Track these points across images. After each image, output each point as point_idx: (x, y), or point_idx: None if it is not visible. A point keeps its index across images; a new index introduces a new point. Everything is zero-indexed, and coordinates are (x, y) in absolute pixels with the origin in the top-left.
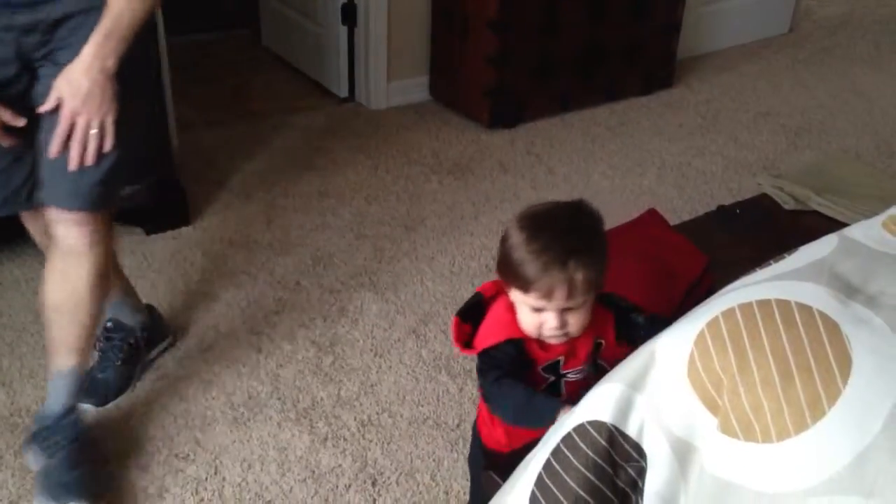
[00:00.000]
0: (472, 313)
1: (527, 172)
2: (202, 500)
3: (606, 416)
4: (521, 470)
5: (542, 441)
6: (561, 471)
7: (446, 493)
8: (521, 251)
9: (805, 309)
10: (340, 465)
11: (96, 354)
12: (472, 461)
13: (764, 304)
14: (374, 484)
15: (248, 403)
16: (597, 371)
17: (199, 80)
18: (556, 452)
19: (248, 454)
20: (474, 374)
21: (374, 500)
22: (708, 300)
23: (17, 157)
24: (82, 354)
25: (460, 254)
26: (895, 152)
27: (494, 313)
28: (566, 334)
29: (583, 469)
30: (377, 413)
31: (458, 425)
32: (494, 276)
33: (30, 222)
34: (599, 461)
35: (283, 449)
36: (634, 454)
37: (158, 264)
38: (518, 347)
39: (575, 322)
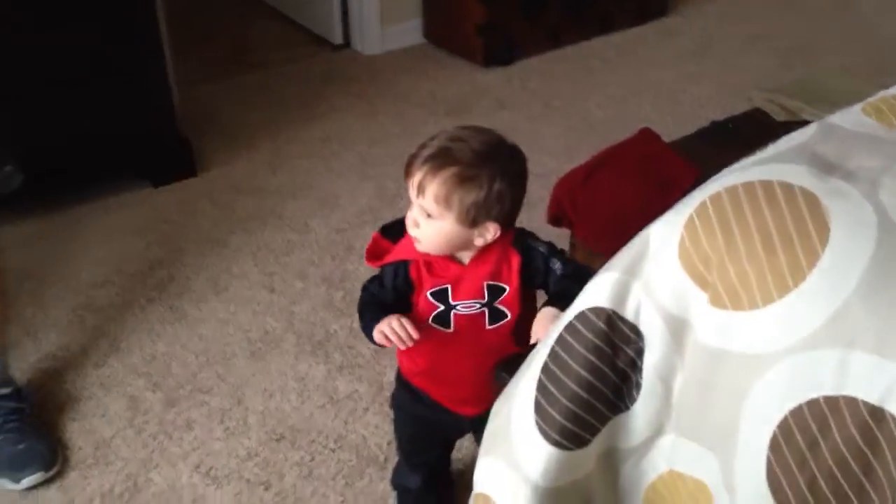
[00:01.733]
0: (395, 230)
1: (523, 107)
2: (227, 428)
3: (605, 302)
4: (528, 364)
5: (549, 334)
6: (565, 356)
7: None
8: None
9: (786, 187)
10: (357, 391)
11: None
12: (393, 397)
13: (748, 186)
14: (390, 406)
15: (264, 339)
16: (493, 314)
17: (196, 36)
18: (560, 340)
19: (269, 385)
20: None
21: (392, 420)
22: (696, 189)
23: None
24: None
25: None
26: (886, 68)
27: (407, 236)
28: (420, 242)
29: (584, 352)
30: None
31: None
32: None
33: None
34: (600, 344)
35: (302, 378)
36: (632, 335)
37: (169, 214)
38: (407, 268)
39: (424, 231)
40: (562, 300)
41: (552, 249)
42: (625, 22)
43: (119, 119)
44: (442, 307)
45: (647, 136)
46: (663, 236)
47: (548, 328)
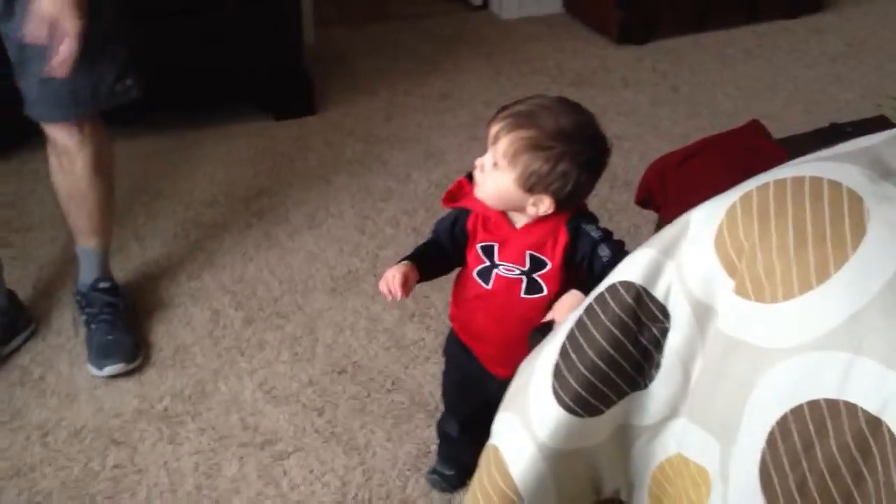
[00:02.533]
0: None
1: (648, 89)
2: (296, 354)
3: (636, 278)
4: (557, 329)
5: (583, 304)
6: (590, 325)
7: None
8: None
9: (834, 185)
10: (423, 339)
11: None
12: (445, 343)
13: (797, 180)
14: (443, 353)
15: (346, 277)
16: (530, 285)
17: None
18: (588, 309)
19: (341, 320)
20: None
21: None
22: (750, 179)
23: None
24: (99, 235)
25: None
26: None
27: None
28: (479, 187)
29: (609, 324)
30: None
31: None
32: None
33: None
34: (625, 318)
35: (374, 320)
36: (660, 315)
37: (283, 147)
38: (466, 217)
39: (486, 178)
40: (593, 287)
41: (605, 236)
42: (775, 13)
43: (250, 50)
44: (487, 263)
45: (753, 128)
46: (704, 220)
47: (567, 311)
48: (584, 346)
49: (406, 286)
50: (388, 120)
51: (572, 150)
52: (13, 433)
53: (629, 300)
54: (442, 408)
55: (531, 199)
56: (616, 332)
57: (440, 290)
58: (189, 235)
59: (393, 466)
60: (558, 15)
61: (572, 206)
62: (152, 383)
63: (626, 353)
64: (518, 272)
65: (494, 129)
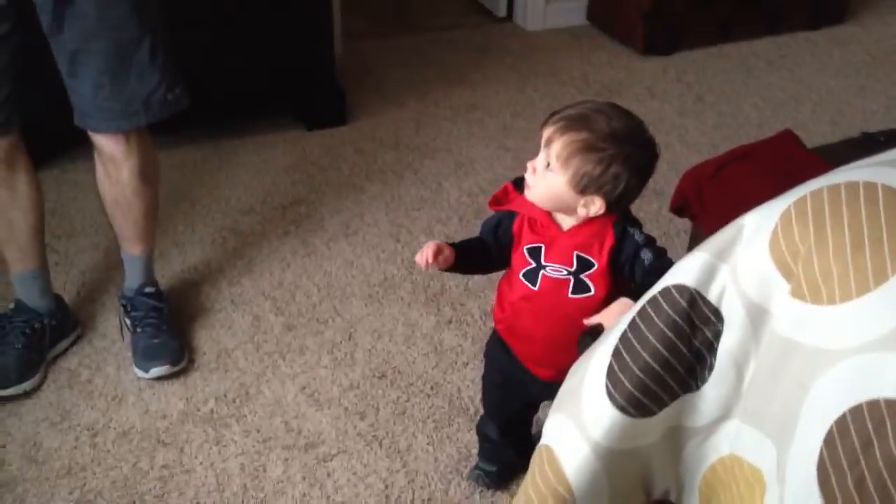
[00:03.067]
0: (524, 185)
1: (675, 100)
2: (336, 358)
3: (690, 281)
4: (609, 331)
5: (634, 306)
6: (643, 327)
7: None
8: None
9: (890, 191)
10: (461, 345)
11: None
12: (486, 346)
13: (851, 186)
14: (484, 354)
15: (383, 284)
16: (578, 285)
17: None
18: (641, 312)
19: (380, 326)
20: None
21: None
22: (800, 185)
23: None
24: (143, 242)
25: None
26: None
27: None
28: (530, 189)
29: (663, 327)
30: None
31: None
32: None
33: None
34: (679, 321)
35: (412, 325)
36: (713, 317)
37: (316, 157)
38: (512, 220)
39: (537, 180)
40: (641, 294)
41: (648, 241)
42: (797, 24)
43: (283, 62)
44: (534, 264)
45: (787, 137)
46: (758, 224)
47: (616, 316)
48: (638, 347)
49: (438, 256)
50: (418, 130)
51: (624, 153)
52: (63, 434)
53: (683, 303)
54: (481, 411)
55: (582, 201)
56: (669, 334)
57: (476, 297)
58: (227, 243)
59: (435, 469)
60: (583, 26)
61: (620, 209)
62: (196, 386)
63: (680, 356)
64: (566, 273)
65: (548, 132)
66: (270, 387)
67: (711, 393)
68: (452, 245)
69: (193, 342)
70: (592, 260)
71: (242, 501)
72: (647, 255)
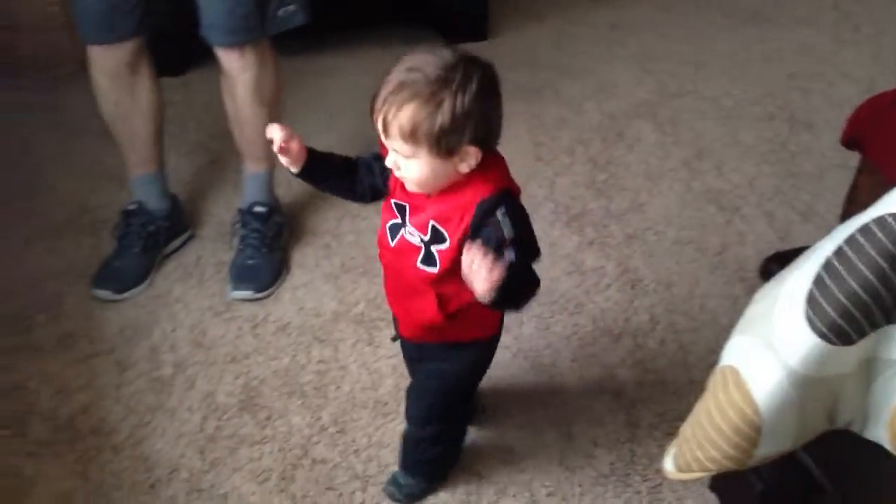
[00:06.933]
0: None
1: (830, 28)
2: None
3: None
4: (805, 257)
5: (831, 236)
6: (852, 255)
7: (701, 307)
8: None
9: None
10: (603, 267)
11: (115, 241)
12: None
13: None
14: (632, 287)
15: (525, 202)
16: (427, 256)
17: None
18: (850, 240)
19: None
20: (743, 211)
21: (632, 300)
22: None
23: None
24: (257, 161)
25: (745, 97)
26: None
27: None
28: (408, 183)
29: (875, 255)
30: (643, 229)
31: (719, 252)
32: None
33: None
34: (893, 249)
35: (553, 245)
36: None
37: None
38: (390, 171)
39: (406, 173)
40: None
41: (519, 239)
42: None
43: None
44: (399, 220)
45: None
46: None
47: (476, 257)
48: (845, 274)
49: (289, 143)
50: (558, 48)
51: (458, 89)
52: (227, 323)
53: None
54: (629, 336)
55: (457, 159)
56: (882, 263)
57: (618, 221)
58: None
59: (580, 387)
60: None
61: (495, 143)
62: (347, 289)
63: (890, 285)
64: (419, 240)
65: (379, 120)
66: None
67: None
68: (311, 149)
69: (342, 248)
70: (446, 234)
71: (397, 400)
72: (510, 256)
